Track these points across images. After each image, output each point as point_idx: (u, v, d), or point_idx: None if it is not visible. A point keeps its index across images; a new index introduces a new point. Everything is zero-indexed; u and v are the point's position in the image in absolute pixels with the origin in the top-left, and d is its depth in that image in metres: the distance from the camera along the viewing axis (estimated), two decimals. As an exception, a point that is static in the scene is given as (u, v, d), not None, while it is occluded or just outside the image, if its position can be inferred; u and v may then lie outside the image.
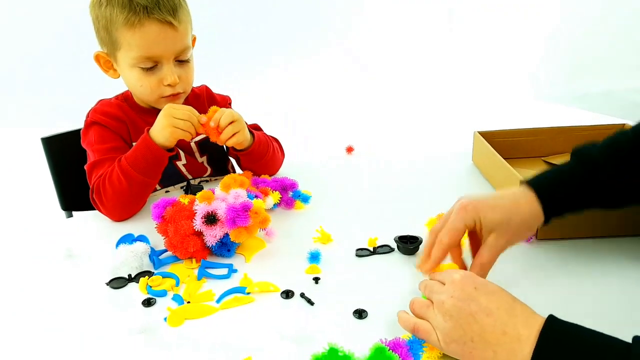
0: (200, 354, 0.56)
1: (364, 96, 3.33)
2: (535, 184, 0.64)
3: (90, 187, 0.90)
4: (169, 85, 0.90)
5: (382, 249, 0.75)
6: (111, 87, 1.07)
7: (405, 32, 3.80)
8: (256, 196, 0.81)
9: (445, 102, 2.73)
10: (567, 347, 0.46)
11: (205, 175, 1.05)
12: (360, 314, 0.61)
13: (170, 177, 1.00)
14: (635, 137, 0.66)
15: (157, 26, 0.84)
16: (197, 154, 1.03)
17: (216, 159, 1.07)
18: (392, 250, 0.75)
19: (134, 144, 0.94)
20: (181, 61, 0.92)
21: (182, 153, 1.01)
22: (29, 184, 1.28)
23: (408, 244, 0.74)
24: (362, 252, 0.75)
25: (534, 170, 0.99)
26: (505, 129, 1.06)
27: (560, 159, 1.04)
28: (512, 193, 0.64)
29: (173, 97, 0.93)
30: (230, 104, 1.09)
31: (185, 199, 0.77)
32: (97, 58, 0.93)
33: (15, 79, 3.00)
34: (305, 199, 0.92)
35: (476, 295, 0.51)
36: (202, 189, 0.89)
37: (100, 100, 1.00)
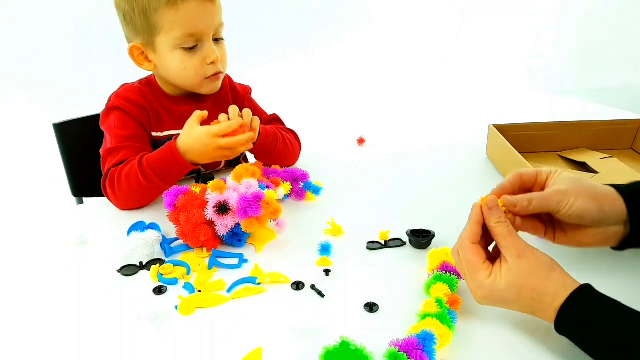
0: (211, 343, 0.56)
1: (376, 88, 3.30)
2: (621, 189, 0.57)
3: (104, 173, 0.90)
4: (212, 63, 0.90)
5: (393, 242, 0.74)
6: (124, 73, 1.07)
7: (417, 23, 3.75)
8: (267, 187, 0.80)
9: (458, 95, 2.69)
10: (595, 306, 0.48)
11: (219, 168, 1.04)
12: (371, 307, 0.60)
13: None
14: None
15: (198, 2, 0.85)
16: None
17: None
18: (404, 243, 0.75)
19: (153, 134, 0.96)
20: (217, 40, 0.92)
21: None
22: (40, 170, 1.29)
23: (420, 238, 0.73)
24: (373, 246, 0.74)
25: (549, 165, 0.99)
26: (520, 123, 1.04)
27: (577, 155, 1.03)
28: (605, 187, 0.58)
29: (215, 77, 0.93)
30: (250, 93, 1.08)
31: (197, 188, 0.76)
32: (132, 51, 0.91)
33: (28, 64, 3.01)
34: (316, 191, 0.91)
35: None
36: (213, 178, 0.89)
37: (124, 84, 0.99)
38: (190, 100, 0.98)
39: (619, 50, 2.83)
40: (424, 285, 0.63)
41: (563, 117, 1.09)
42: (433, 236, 0.73)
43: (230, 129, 0.82)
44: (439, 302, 0.56)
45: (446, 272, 0.62)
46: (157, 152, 0.86)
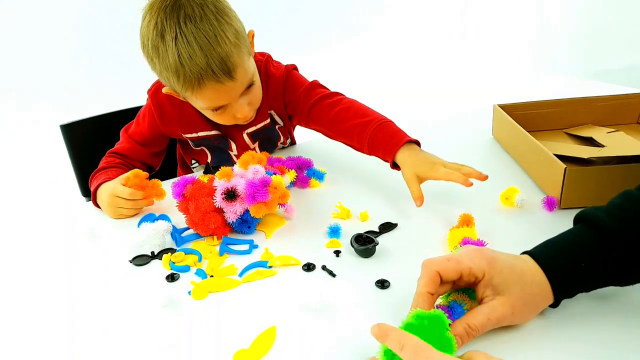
0: (226, 324, 0.57)
1: (379, 71, 3.29)
2: (542, 260, 0.52)
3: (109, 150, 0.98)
4: (242, 117, 0.88)
5: (385, 227, 0.74)
6: (133, 74, 1.08)
7: (422, 5, 3.74)
8: (274, 173, 0.81)
9: (462, 77, 2.69)
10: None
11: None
12: (382, 283, 0.60)
13: (222, 161, 1.02)
14: None
15: (215, 85, 0.79)
16: (249, 142, 1.01)
17: (267, 143, 1.05)
18: (395, 225, 0.74)
19: (185, 135, 0.98)
20: (248, 89, 0.86)
21: (234, 145, 1.00)
22: (50, 171, 1.31)
23: (366, 244, 0.67)
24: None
25: (556, 142, 0.98)
26: (525, 102, 1.04)
27: (583, 131, 1.02)
28: (521, 261, 0.53)
29: (247, 120, 0.91)
30: (289, 71, 0.98)
31: (204, 177, 0.77)
32: (168, 92, 0.88)
33: (36, 66, 3.04)
34: (320, 177, 0.92)
35: None
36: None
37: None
38: None
39: (625, 31, 2.81)
40: None
41: (568, 95, 1.08)
42: (376, 244, 0.67)
43: (129, 197, 0.82)
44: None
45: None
46: (100, 176, 0.90)
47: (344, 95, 0.95)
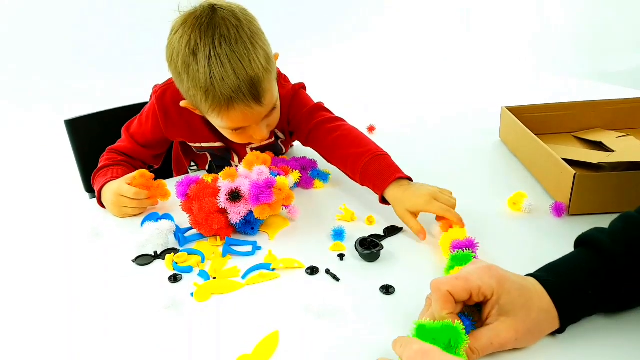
0: (227, 327, 0.56)
1: (385, 74, 3.27)
2: (550, 286, 0.51)
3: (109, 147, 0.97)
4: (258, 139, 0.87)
5: (390, 231, 0.73)
6: (137, 71, 1.07)
7: (425, 7, 3.71)
8: (278, 174, 0.80)
9: (467, 79, 2.67)
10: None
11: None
12: (387, 289, 0.60)
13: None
14: None
15: (243, 108, 0.77)
16: None
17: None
18: (400, 229, 0.73)
19: (190, 143, 0.97)
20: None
21: (236, 157, 1.00)
22: (53, 167, 1.30)
23: (371, 248, 0.66)
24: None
25: (565, 146, 0.97)
26: (533, 104, 1.02)
27: (592, 135, 1.01)
28: (529, 283, 0.51)
29: (262, 141, 0.92)
30: (296, 90, 0.97)
31: (208, 177, 0.76)
32: (187, 105, 0.85)
33: (40, 62, 3.04)
34: (325, 178, 0.91)
35: None
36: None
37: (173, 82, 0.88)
38: None
39: (633, 31, 2.78)
40: (443, 271, 0.62)
41: (576, 98, 1.07)
42: (381, 248, 0.66)
43: (134, 196, 0.82)
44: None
45: (460, 249, 0.61)
46: (102, 175, 0.89)
47: (345, 122, 0.93)
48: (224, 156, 1.00)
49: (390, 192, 0.76)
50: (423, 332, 0.45)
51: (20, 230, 0.83)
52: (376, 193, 0.79)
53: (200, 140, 0.96)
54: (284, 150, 1.05)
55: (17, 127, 2.68)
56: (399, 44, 3.65)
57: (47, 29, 3.04)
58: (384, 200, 0.77)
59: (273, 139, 0.98)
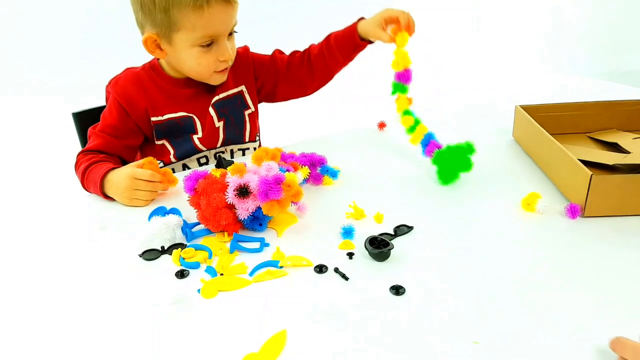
0: (234, 325, 0.55)
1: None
2: None
3: (80, 150, 0.96)
4: (224, 60, 0.93)
5: (401, 230, 0.72)
6: (141, 62, 1.06)
7: (438, 5, 3.67)
8: (287, 170, 0.79)
9: (480, 78, 2.64)
10: None
11: (218, 146, 1.03)
12: (397, 290, 0.58)
13: (185, 151, 1.01)
14: None
15: (221, 6, 0.86)
16: (215, 118, 1.01)
17: (233, 123, 1.04)
18: (411, 228, 0.72)
19: (153, 119, 0.97)
20: (230, 35, 0.93)
21: (199, 126, 1.00)
22: (60, 158, 1.31)
23: (382, 247, 0.65)
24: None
25: (579, 147, 0.95)
26: (548, 103, 1.00)
27: (607, 136, 0.99)
28: None
29: (224, 71, 0.96)
30: (249, 50, 1.08)
31: (217, 172, 0.75)
32: (146, 41, 0.91)
33: (48, 54, 3.05)
34: (334, 174, 0.90)
35: None
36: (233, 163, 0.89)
37: (127, 69, 1.00)
38: (194, 82, 0.98)
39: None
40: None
41: (591, 98, 1.05)
42: (392, 247, 0.65)
43: (150, 178, 0.82)
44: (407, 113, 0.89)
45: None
46: (94, 170, 0.87)
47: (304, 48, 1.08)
48: (187, 128, 0.99)
49: (360, 27, 0.99)
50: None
51: (25, 222, 0.82)
52: (356, 44, 1.01)
53: (163, 111, 0.97)
54: (251, 108, 1.07)
55: (27, 118, 2.69)
56: (413, 41, 3.61)
57: (58, 22, 3.05)
58: (362, 40, 1.00)
59: (239, 88, 1.04)
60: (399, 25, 0.92)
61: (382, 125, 1.12)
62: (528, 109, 0.98)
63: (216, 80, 0.97)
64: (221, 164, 0.90)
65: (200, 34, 0.87)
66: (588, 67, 2.88)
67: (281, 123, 1.13)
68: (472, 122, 1.14)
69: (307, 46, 1.08)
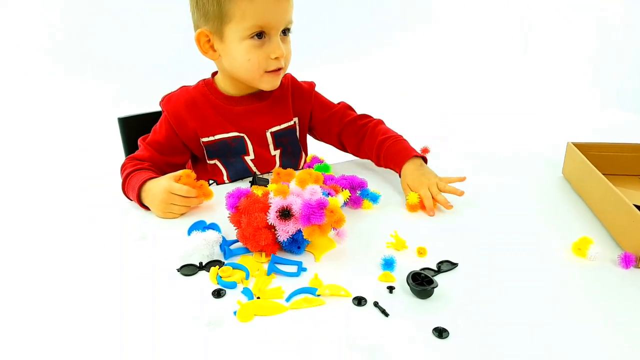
0: (269, 354, 0.54)
1: (443, 98, 3.19)
2: None
3: (129, 155, 0.98)
4: (276, 58, 0.90)
5: (445, 266, 0.69)
6: (187, 73, 1.08)
7: (483, 37, 3.62)
8: (329, 193, 0.78)
9: (531, 111, 2.56)
10: None
11: (272, 170, 1.03)
12: (440, 332, 0.56)
13: (237, 171, 1.00)
14: None
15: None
16: (271, 146, 1.01)
17: (290, 153, 1.04)
18: (456, 265, 0.70)
19: (203, 140, 0.97)
20: (284, 35, 0.92)
21: (250, 147, 0.99)
22: (105, 163, 1.34)
23: (425, 284, 0.62)
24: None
25: (634, 190, 0.91)
26: (601, 142, 0.96)
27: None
28: None
29: (276, 73, 0.92)
30: (314, 88, 1.07)
31: (258, 191, 0.75)
32: (199, 37, 0.91)
33: (99, 62, 3.16)
34: (375, 199, 0.88)
35: None
36: (268, 181, 0.88)
37: (182, 87, 1.00)
38: (249, 99, 0.98)
39: None
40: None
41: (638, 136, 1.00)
42: (436, 285, 0.62)
43: (186, 194, 0.83)
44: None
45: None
46: (135, 177, 0.89)
47: (371, 117, 1.07)
48: (238, 149, 0.98)
49: (405, 167, 0.94)
50: None
51: (65, 229, 0.83)
52: (395, 170, 0.96)
53: (214, 132, 0.97)
54: (302, 158, 1.08)
55: (74, 123, 2.77)
56: (461, 69, 3.55)
57: (105, 28, 3.16)
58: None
59: (293, 122, 1.03)
60: (422, 203, 0.86)
61: (425, 151, 1.09)
62: (580, 146, 0.94)
63: (267, 82, 0.93)
64: (255, 181, 0.89)
65: (250, 23, 0.86)
66: (636, 102, 2.77)
67: (322, 144, 1.12)
68: (519, 155, 1.10)
69: (374, 117, 1.07)
